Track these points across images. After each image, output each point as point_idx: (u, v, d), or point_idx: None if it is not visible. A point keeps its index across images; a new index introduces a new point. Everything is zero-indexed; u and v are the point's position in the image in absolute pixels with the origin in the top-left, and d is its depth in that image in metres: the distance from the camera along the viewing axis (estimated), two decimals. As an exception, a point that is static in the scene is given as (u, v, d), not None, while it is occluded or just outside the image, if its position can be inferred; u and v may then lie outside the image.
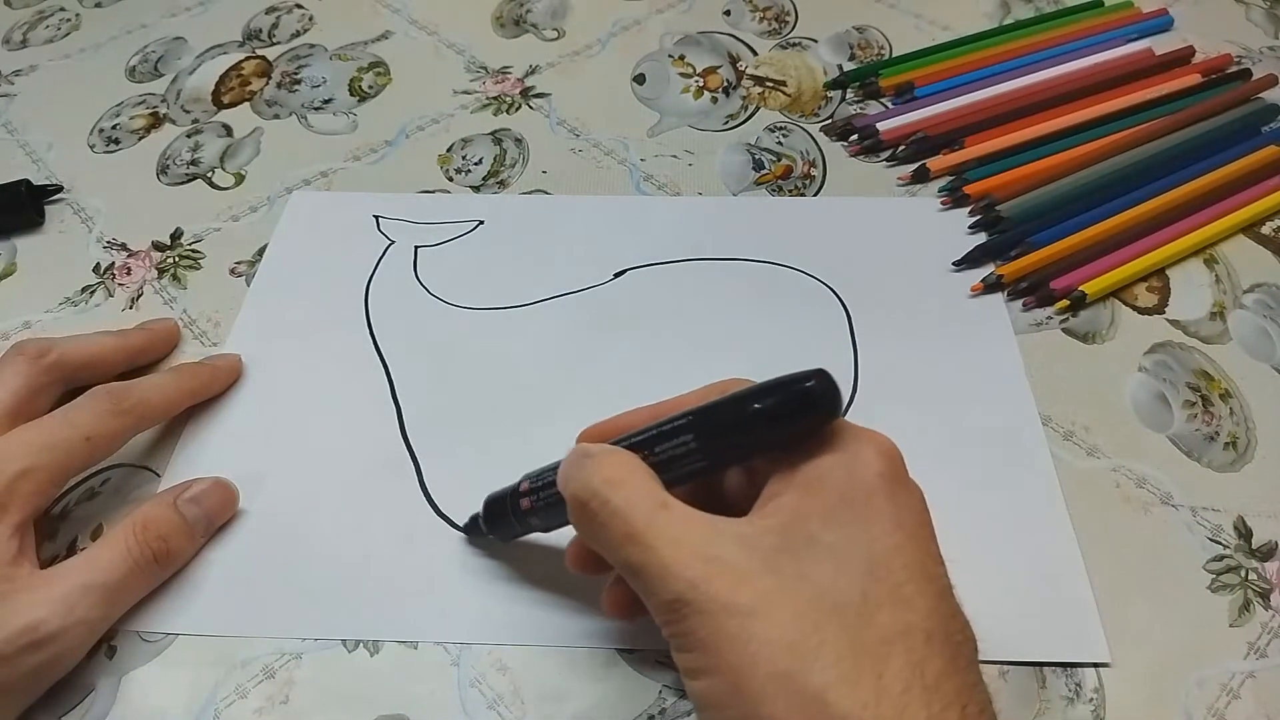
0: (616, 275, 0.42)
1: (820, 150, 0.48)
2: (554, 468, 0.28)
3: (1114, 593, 0.31)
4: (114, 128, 0.51)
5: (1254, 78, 0.50)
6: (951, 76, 0.51)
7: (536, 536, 0.32)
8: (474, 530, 0.33)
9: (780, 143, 0.48)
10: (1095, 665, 0.30)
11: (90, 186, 0.48)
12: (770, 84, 0.52)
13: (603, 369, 0.38)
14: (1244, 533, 0.33)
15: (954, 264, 0.41)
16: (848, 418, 0.36)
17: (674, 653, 0.23)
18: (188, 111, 0.52)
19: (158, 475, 0.35)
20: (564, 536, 0.29)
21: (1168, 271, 0.41)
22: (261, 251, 0.44)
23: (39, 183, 0.46)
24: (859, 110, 0.50)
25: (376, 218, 0.45)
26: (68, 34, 0.58)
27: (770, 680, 0.21)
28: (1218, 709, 0.29)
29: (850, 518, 0.23)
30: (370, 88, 0.53)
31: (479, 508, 0.32)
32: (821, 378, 0.24)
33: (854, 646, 0.21)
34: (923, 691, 0.21)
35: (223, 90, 0.53)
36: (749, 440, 0.25)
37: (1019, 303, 0.40)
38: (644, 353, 0.39)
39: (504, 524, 0.31)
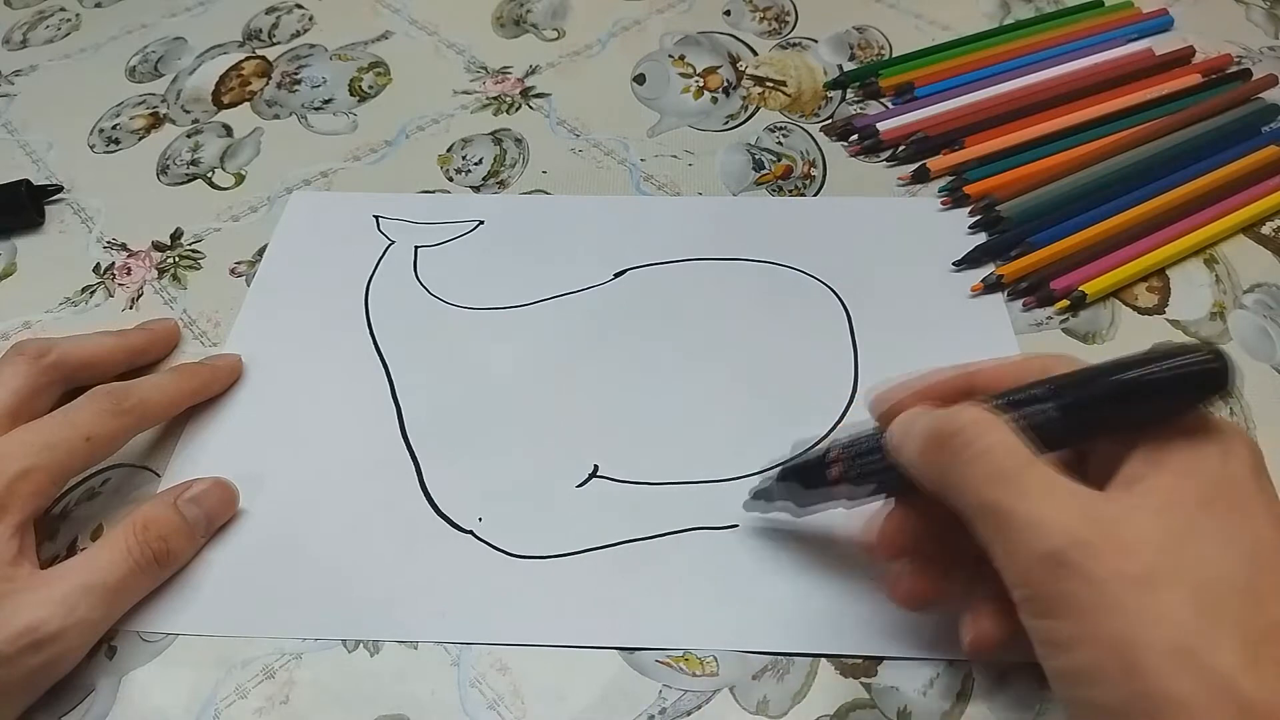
0: (616, 275, 0.42)
1: (820, 150, 0.48)
2: (870, 435, 0.28)
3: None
4: (114, 128, 0.51)
5: (1254, 78, 0.49)
6: (952, 76, 0.51)
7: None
8: (764, 498, 0.31)
9: (780, 143, 0.48)
10: (1095, 665, 0.30)
11: (90, 186, 0.48)
12: (770, 84, 0.52)
13: (603, 369, 0.38)
14: (1244, 533, 0.33)
15: (954, 264, 0.41)
16: (848, 418, 0.36)
17: (1031, 618, 0.22)
18: (188, 111, 0.52)
19: (158, 475, 0.35)
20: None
21: (1168, 271, 0.41)
22: (261, 252, 0.44)
23: (39, 183, 0.47)
24: (859, 110, 0.50)
25: (376, 218, 0.45)
26: (68, 34, 0.58)
27: (1171, 657, 0.20)
28: (1218, 709, 0.29)
29: (1228, 508, 0.22)
30: (370, 88, 0.53)
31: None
32: (1222, 357, 0.23)
33: (1253, 632, 0.20)
34: None
35: (223, 90, 0.53)
36: (1125, 415, 0.24)
37: (1019, 303, 0.40)
38: (644, 353, 0.39)
39: (809, 493, 0.30)
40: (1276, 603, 0.21)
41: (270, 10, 0.59)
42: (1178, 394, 0.23)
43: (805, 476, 0.30)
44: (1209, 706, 0.19)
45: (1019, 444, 0.23)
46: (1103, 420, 0.24)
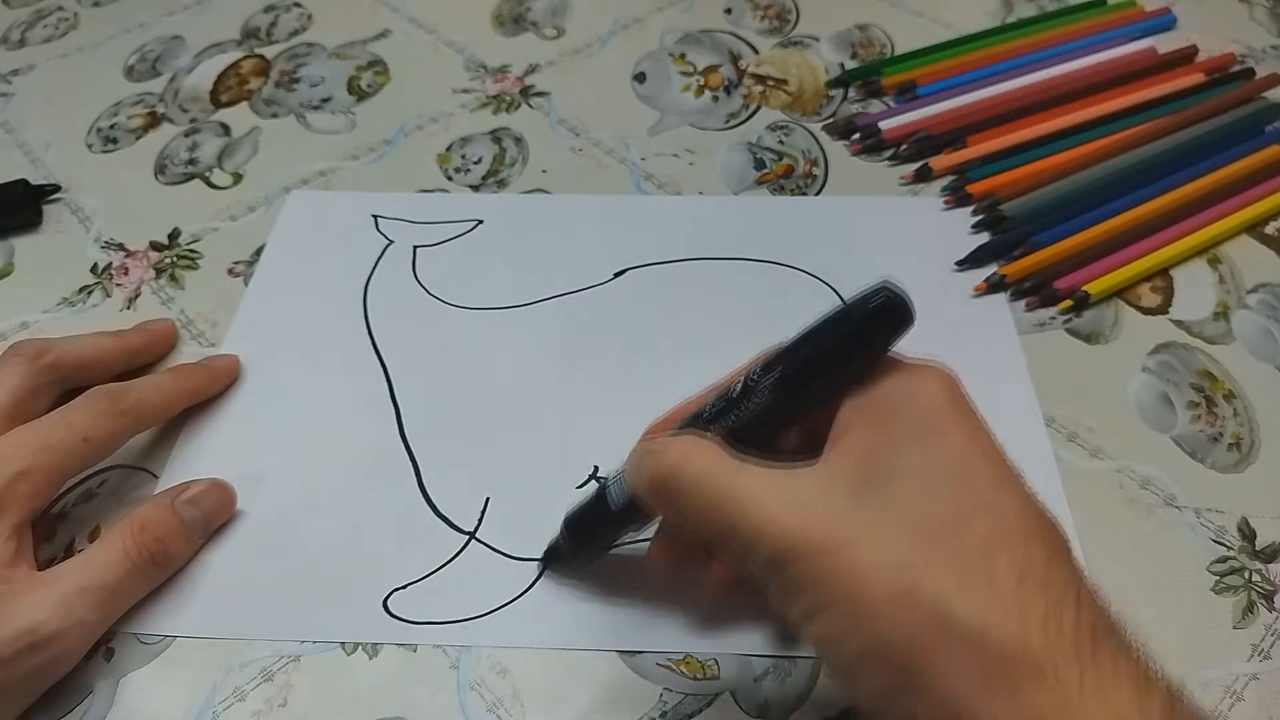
0: (616, 275, 0.42)
1: (822, 149, 0.48)
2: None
3: (1117, 594, 0.30)
4: (112, 127, 0.51)
5: (1257, 77, 0.49)
6: (954, 75, 0.51)
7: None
8: (554, 558, 0.32)
9: (782, 142, 0.48)
10: (1099, 668, 0.29)
11: (88, 186, 0.47)
12: (771, 82, 0.52)
13: (603, 369, 0.38)
14: (1248, 534, 0.33)
15: (957, 264, 0.41)
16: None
17: (783, 605, 0.23)
18: (185, 111, 0.52)
19: (155, 476, 0.35)
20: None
21: (1171, 271, 0.41)
22: (259, 251, 0.43)
23: (37, 183, 0.46)
24: (861, 109, 0.50)
25: (375, 217, 0.45)
26: (65, 33, 0.58)
27: (887, 601, 0.21)
28: (1221, 711, 0.29)
29: (923, 440, 0.23)
30: (369, 86, 0.53)
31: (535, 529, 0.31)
32: (890, 289, 0.24)
33: (958, 555, 0.21)
34: (1035, 584, 0.21)
35: (221, 89, 0.53)
36: (824, 374, 0.25)
37: (1022, 303, 0.40)
38: (644, 353, 0.39)
39: (594, 539, 0.30)
40: (980, 520, 0.22)
41: (268, 9, 0.59)
42: (858, 335, 0.24)
43: (591, 520, 0.30)
44: (927, 639, 0.20)
45: (723, 460, 0.24)
46: (809, 384, 0.25)
